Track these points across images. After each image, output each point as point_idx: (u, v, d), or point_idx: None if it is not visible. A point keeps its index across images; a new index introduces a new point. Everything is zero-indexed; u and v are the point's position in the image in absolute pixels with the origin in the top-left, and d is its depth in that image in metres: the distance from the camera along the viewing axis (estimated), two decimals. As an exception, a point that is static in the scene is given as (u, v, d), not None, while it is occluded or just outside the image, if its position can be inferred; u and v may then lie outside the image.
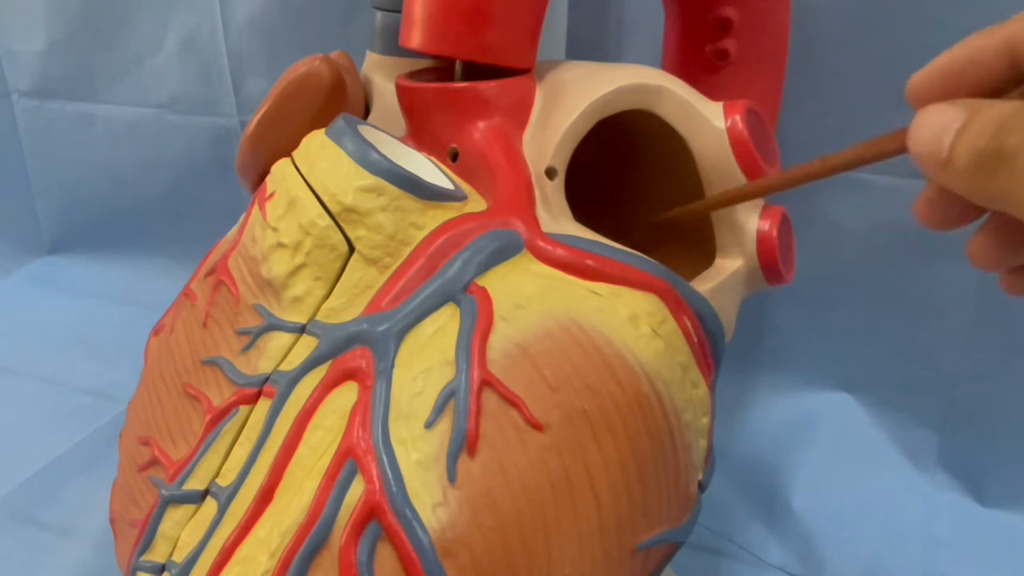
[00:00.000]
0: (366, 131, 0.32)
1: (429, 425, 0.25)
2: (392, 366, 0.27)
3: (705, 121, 0.34)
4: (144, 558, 0.30)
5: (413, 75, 0.36)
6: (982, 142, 0.19)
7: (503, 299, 0.28)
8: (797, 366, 0.56)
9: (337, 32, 0.59)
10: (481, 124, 0.33)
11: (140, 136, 0.69)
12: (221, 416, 0.29)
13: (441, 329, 0.27)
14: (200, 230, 0.50)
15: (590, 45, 0.53)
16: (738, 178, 0.34)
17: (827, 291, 0.52)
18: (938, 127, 0.20)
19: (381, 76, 0.40)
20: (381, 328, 0.28)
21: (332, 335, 0.28)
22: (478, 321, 0.27)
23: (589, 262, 0.29)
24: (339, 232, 0.29)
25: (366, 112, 0.40)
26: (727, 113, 0.34)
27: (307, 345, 0.29)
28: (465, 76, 0.34)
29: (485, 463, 0.25)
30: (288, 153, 0.33)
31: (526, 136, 0.33)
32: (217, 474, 0.29)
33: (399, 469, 0.25)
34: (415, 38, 0.33)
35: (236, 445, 0.29)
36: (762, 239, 0.35)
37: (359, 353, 0.28)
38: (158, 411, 0.33)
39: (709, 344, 0.31)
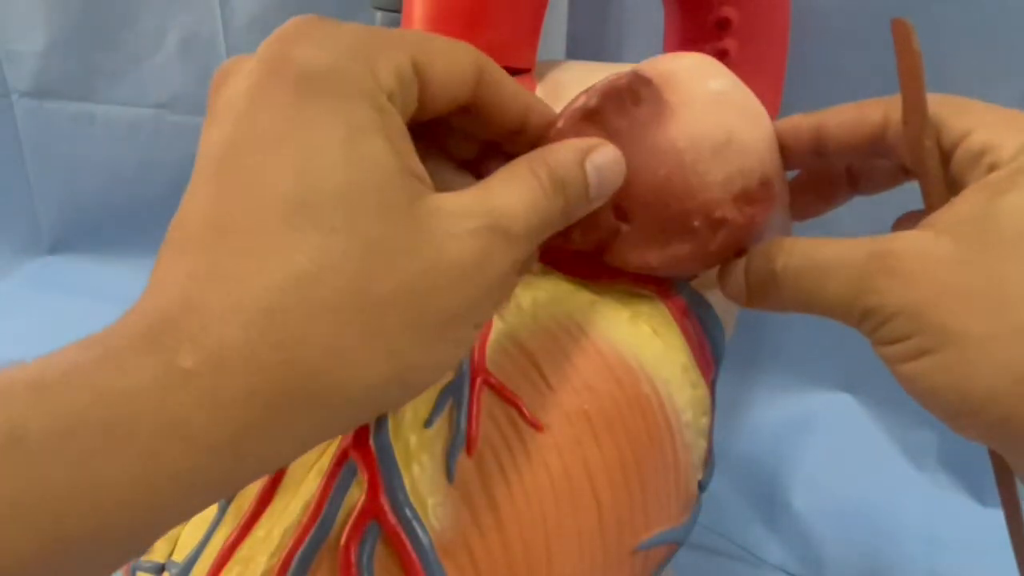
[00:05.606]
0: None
1: (428, 425, 0.25)
2: (392, 366, 0.27)
3: (705, 121, 0.34)
4: (144, 558, 0.30)
5: (413, 75, 0.36)
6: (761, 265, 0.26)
7: (503, 299, 0.28)
8: (797, 366, 0.56)
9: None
10: (481, 124, 0.33)
11: (140, 136, 0.69)
12: (221, 416, 0.29)
13: (441, 329, 0.27)
14: (200, 230, 0.50)
15: (590, 45, 0.53)
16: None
17: (827, 291, 0.52)
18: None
19: (381, 76, 0.39)
20: (381, 328, 0.28)
21: (332, 335, 0.28)
22: (478, 321, 0.27)
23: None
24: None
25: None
26: (727, 113, 0.34)
27: (307, 345, 0.29)
28: (465, 76, 0.34)
29: (484, 463, 0.25)
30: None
31: (526, 136, 0.33)
32: (217, 474, 0.29)
33: (398, 469, 0.25)
34: (415, 38, 0.33)
35: (236, 445, 0.29)
36: (762, 239, 0.35)
37: (359, 353, 0.28)
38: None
39: (709, 344, 0.31)
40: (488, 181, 0.22)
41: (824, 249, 0.24)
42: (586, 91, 0.26)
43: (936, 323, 0.21)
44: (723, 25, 0.42)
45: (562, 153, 0.23)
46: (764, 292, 0.26)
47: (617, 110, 0.26)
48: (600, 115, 0.26)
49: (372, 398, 0.19)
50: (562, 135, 0.25)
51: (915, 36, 0.24)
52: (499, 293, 0.21)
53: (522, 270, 0.25)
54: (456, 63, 0.22)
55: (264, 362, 0.17)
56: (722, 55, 0.42)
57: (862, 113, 0.26)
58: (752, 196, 0.27)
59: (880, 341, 0.23)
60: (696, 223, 0.27)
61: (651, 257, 0.27)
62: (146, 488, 0.16)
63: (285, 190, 0.19)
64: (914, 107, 0.24)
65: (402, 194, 0.20)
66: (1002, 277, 0.21)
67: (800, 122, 0.27)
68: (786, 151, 0.28)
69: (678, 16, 0.44)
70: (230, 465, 0.18)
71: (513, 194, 0.22)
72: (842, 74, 0.47)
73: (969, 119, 0.24)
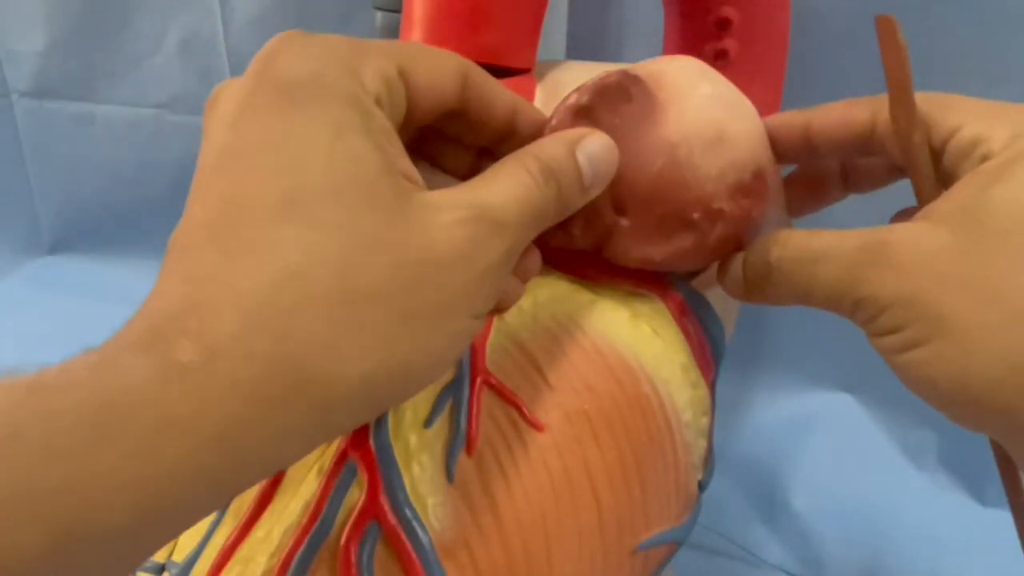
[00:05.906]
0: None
1: (428, 425, 0.25)
2: (392, 366, 0.27)
3: (705, 121, 0.34)
4: (144, 558, 0.30)
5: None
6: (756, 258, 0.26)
7: (503, 299, 0.28)
8: (797, 366, 0.56)
9: (337, 32, 0.59)
10: (481, 124, 0.33)
11: (140, 136, 0.69)
12: (221, 416, 0.29)
13: (441, 329, 0.27)
14: (200, 230, 0.50)
15: (590, 45, 0.53)
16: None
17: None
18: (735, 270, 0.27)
19: (381, 76, 0.39)
20: (381, 328, 0.28)
21: (332, 335, 0.28)
22: (478, 321, 0.27)
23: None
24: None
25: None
26: (727, 113, 0.34)
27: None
28: (465, 76, 0.34)
29: (484, 463, 0.25)
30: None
31: (526, 136, 0.33)
32: (217, 474, 0.29)
33: (398, 469, 0.25)
34: (415, 38, 0.33)
35: (236, 445, 0.29)
36: (762, 239, 0.35)
37: (359, 353, 0.28)
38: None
39: (709, 344, 0.31)
40: (476, 178, 0.22)
41: (817, 240, 0.25)
42: (577, 89, 0.26)
43: (930, 313, 0.21)
44: (723, 25, 0.42)
45: (550, 144, 0.24)
46: (760, 285, 0.26)
47: (609, 107, 0.26)
48: (592, 112, 0.26)
49: (366, 391, 0.19)
50: (555, 132, 0.25)
51: (900, 32, 0.24)
52: (493, 283, 0.21)
53: (526, 275, 0.25)
54: (440, 67, 0.23)
55: (255, 354, 0.18)
56: (722, 55, 0.42)
57: (851, 111, 0.26)
58: (747, 188, 0.27)
59: (874, 332, 0.23)
60: (695, 215, 0.27)
61: (652, 251, 0.28)
62: (144, 484, 0.16)
63: (274, 190, 0.19)
64: (901, 103, 0.24)
65: (388, 189, 0.20)
66: (997, 265, 0.21)
67: (790, 119, 0.27)
68: (777, 146, 0.28)
69: (678, 16, 0.44)
70: (225, 461, 0.18)
71: (501, 185, 0.22)
72: (842, 74, 0.47)
73: (958, 114, 0.24)
